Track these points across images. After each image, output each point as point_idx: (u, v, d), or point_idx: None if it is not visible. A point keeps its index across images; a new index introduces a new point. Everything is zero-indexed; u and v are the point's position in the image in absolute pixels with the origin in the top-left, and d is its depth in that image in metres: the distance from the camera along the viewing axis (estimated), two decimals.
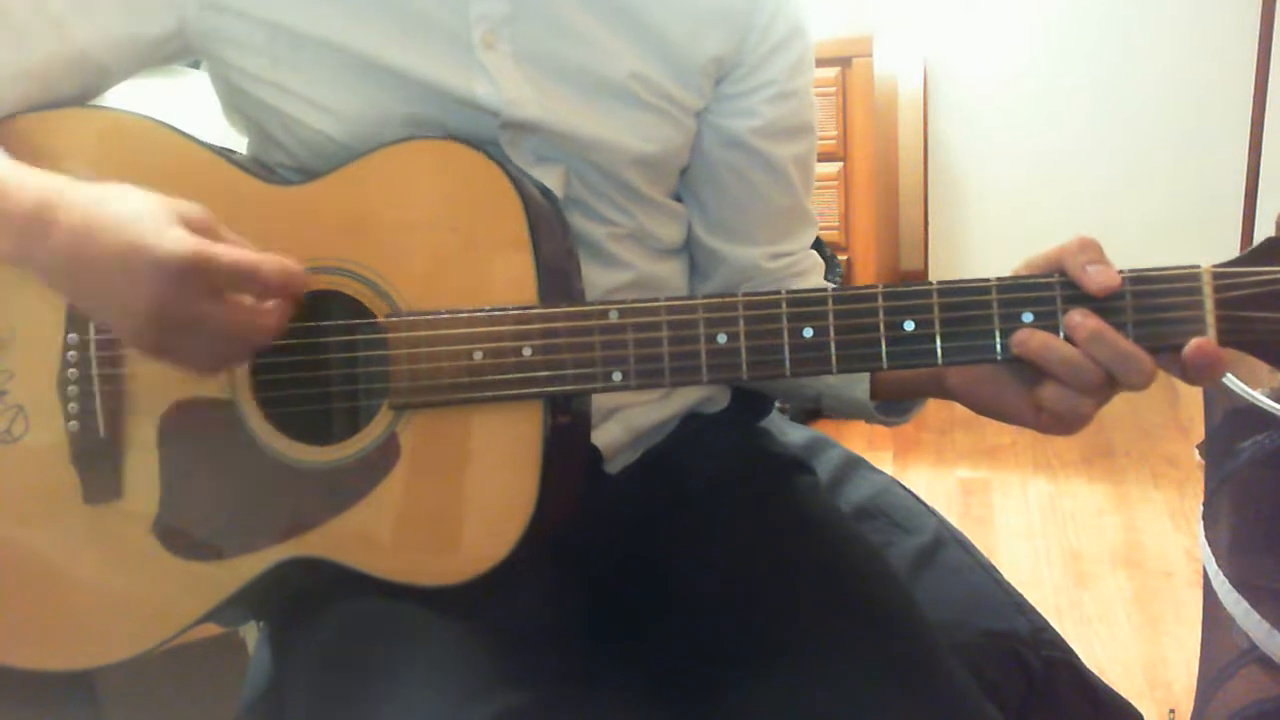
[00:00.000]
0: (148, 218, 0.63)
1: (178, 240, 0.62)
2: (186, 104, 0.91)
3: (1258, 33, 2.39)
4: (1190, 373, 0.65)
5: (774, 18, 0.85)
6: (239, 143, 0.88)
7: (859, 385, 0.87)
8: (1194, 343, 0.64)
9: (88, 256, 0.64)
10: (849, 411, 0.90)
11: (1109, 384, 0.65)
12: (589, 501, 0.80)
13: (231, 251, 0.64)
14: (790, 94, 0.88)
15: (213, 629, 0.85)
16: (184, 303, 0.63)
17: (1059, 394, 0.66)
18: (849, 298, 0.68)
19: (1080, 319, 0.65)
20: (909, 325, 0.68)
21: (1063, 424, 0.68)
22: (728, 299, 0.70)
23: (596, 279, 0.85)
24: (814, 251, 0.97)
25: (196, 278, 0.63)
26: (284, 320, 0.68)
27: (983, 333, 0.67)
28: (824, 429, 1.20)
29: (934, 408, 0.88)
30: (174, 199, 0.66)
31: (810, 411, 2.23)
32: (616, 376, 0.71)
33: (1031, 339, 0.66)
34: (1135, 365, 0.64)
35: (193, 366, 0.69)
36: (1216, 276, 0.64)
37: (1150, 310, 0.65)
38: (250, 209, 0.77)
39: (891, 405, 0.88)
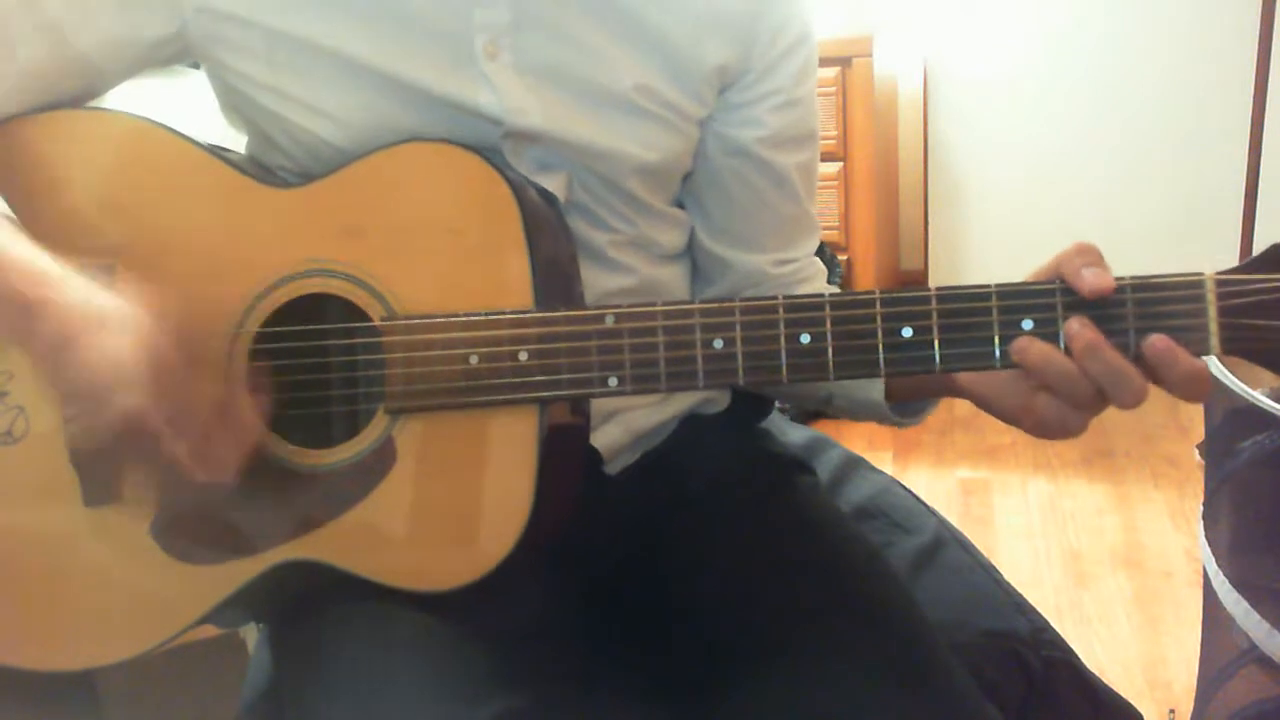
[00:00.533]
0: (113, 365, 0.66)
1: (123, 405, 0.65)
2: (187, 103, 0.91)
3: (1258, 33, 2.38)
4: (1153, 371, 0.64)
5: (781, 25, 0.84)
6: (239, 141, 0.88)
7: (874, 387, 0.86)
8: (1150, 339, 0.64)
9: (58, 367, 0.67)
10: (861, 413, 0.90)
11: (1099, 399, 0.65)
12: (588, 502, 0.80)
13: (165, 436, 0.67)
14: (795, 102, 0.87)
15: (213, 629, 0.85)
16: (131, 440, 0.67)
17: (1049, 404, 0.66)
18: (846, 303, 0.68)
19: (1078, 328, 0.65)
20: (907, 331, 0.67)
21: (1049, 433, 0.68)
22: (724, 304, 0.69)
23: (596, 283, 0.85)
24: (817, 259, 0.97)
25: (136, 433, 0.66)
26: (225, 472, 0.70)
27: (982, 340, 0.67)
28: (824, 429, 1.20)
29: None
30: (155, 336, 0.67)
31: (810, 412, 2.23)
32: (612, 382, 0.71)
33: (1030, 348, 0.65)
34: (1126, 383, 0.64)
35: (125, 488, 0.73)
36: (1220, 284, 0.64)
37: (1153, 318, 0.64)
38: (247, 211, 0.77)
39: (905, 405, 0.87)
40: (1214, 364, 1.06)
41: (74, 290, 0.68)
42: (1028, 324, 0.66)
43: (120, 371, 0.65)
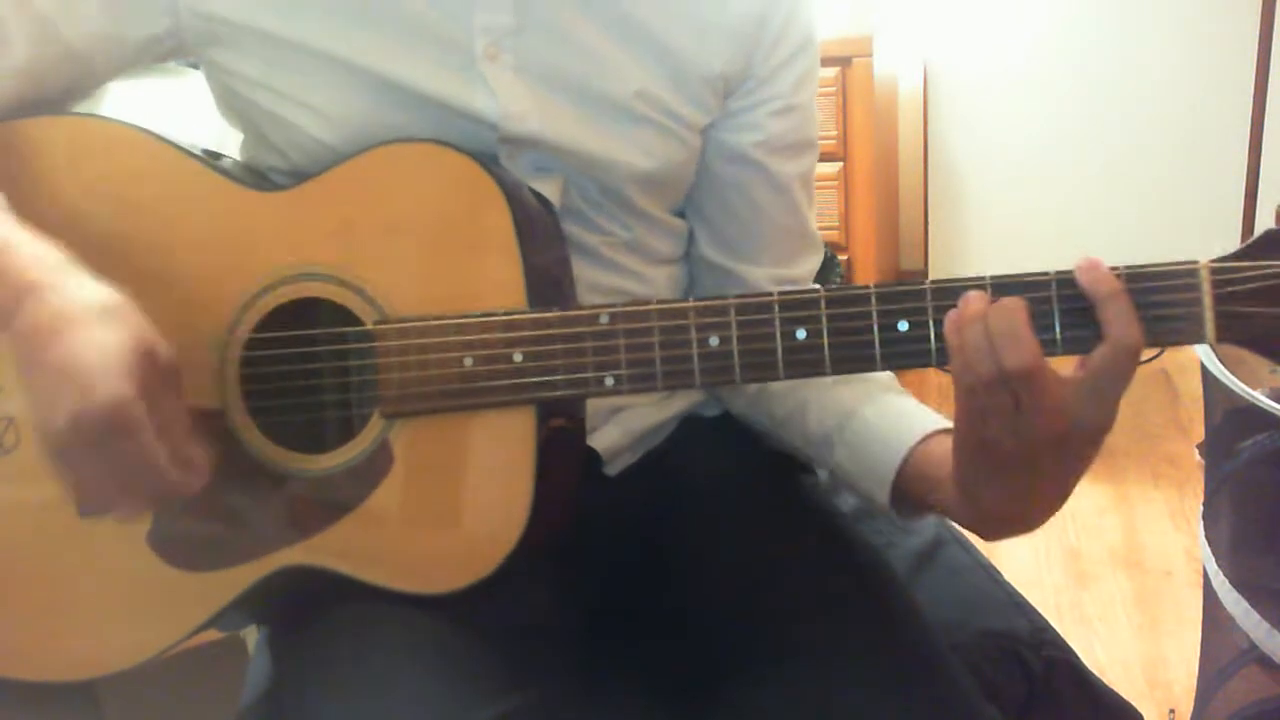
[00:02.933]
0: (103, 353, 0.62)
1: (108, 395, 0.61)
2: (187, 103, 0.91)
3: (1258, 33, 2.38)
4: (1088, 290, 0.64)
5: (784, 33, 0.83)
6: (237, 140, 0.88)
7: (880, 489, 0.81)
8: (1083, 262, 0.63)
9: (44, 351, 0.63)
10: (860, 493, 0.85)
11: (999, 376, 0.62)
12: (588, 503, 0.80)
13: (147, 432, 0.63)
14: (794, 108, 0.86)
15: (213, 632, 0.85)
16: (112, 435, 0.62)
17: (996, 422, 0.64)
18: (842, 298, 0.68)
19: (974, 295, 0.64)
20: (903, 325, 0.67)
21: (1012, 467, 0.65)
22: (719, 301, 0.69)
23: (588, 281, 0.85)
24: (818, 286, 0.95)
25: (118, 427, 0.62)
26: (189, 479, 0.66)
27: None
28: None
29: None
30: (147, 333, 0.64)
31: None
32: (609, 381, 0.71)
33: (949, 320, 0.64)
34: (1016, 346, 0.62)
35: (85, 496, 0.66)
36: (1214, 272, 0.64)
37: (1148, 307, 0.64)
38: (236, 216, 0.77)
39: (907, 503, 0.81)
40: (1214, 364, 1.05)
41: (72, 277, 0.66)
42: None
43: (110, 361, 0.62)
